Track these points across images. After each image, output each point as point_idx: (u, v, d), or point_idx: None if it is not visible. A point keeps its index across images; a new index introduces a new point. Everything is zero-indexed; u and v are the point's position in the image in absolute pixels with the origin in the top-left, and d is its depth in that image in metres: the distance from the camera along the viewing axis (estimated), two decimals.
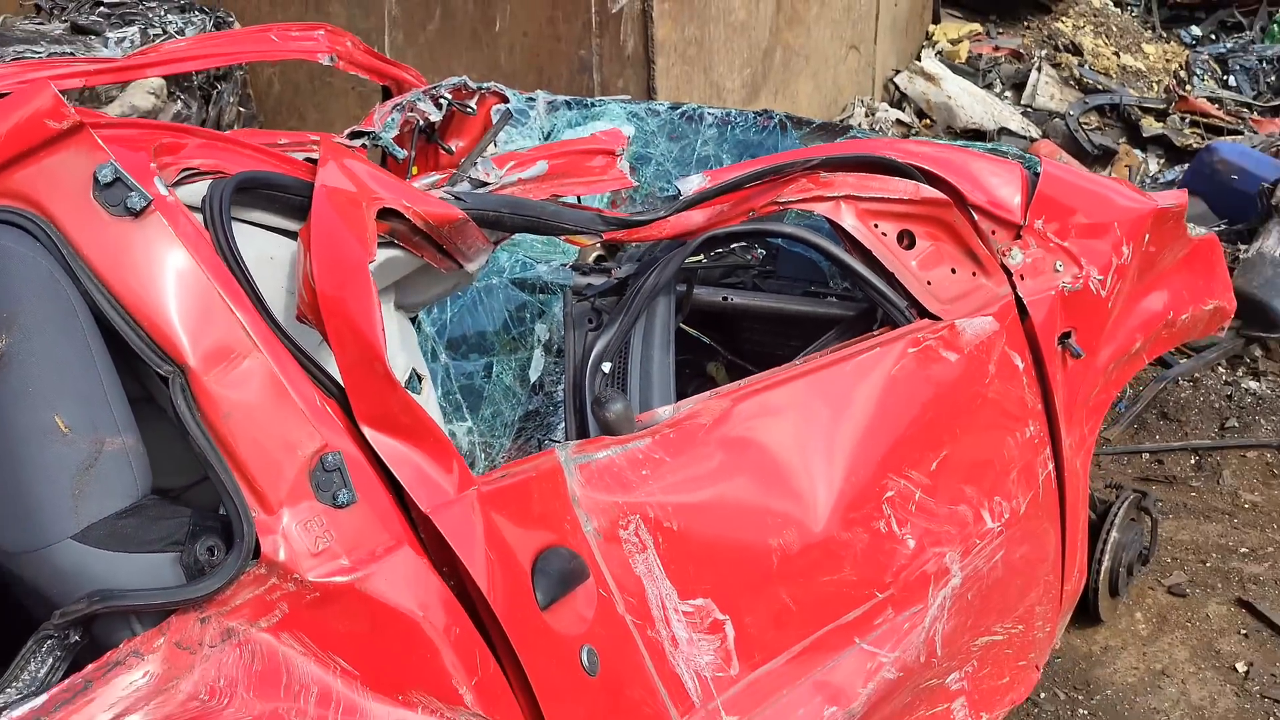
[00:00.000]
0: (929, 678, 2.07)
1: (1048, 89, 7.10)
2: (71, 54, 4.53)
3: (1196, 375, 4.13)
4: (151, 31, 5.02)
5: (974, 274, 2.24)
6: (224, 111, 5.23)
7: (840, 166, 2.19)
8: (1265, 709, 2.66)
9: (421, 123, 2.78)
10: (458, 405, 2.54)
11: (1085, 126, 6.82)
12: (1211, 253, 2.81)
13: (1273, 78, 8.78)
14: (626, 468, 1.74)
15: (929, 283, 2.18)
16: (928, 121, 6.83)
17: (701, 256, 3.06)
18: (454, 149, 3.14)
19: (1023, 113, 6.94)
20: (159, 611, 1.22)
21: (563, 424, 2.32)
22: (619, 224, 2.02)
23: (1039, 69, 7.22)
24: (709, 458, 1.83)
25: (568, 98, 3.37)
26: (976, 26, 7.99)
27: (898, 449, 2.01)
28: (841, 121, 6.45)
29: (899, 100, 7.01)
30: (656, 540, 1.73)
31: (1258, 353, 4.32)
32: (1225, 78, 8.90)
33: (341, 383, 1.39)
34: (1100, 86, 7.21)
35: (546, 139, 3.32)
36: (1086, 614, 2.91)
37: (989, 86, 7.32)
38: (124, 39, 4.90)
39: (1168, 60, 8.74)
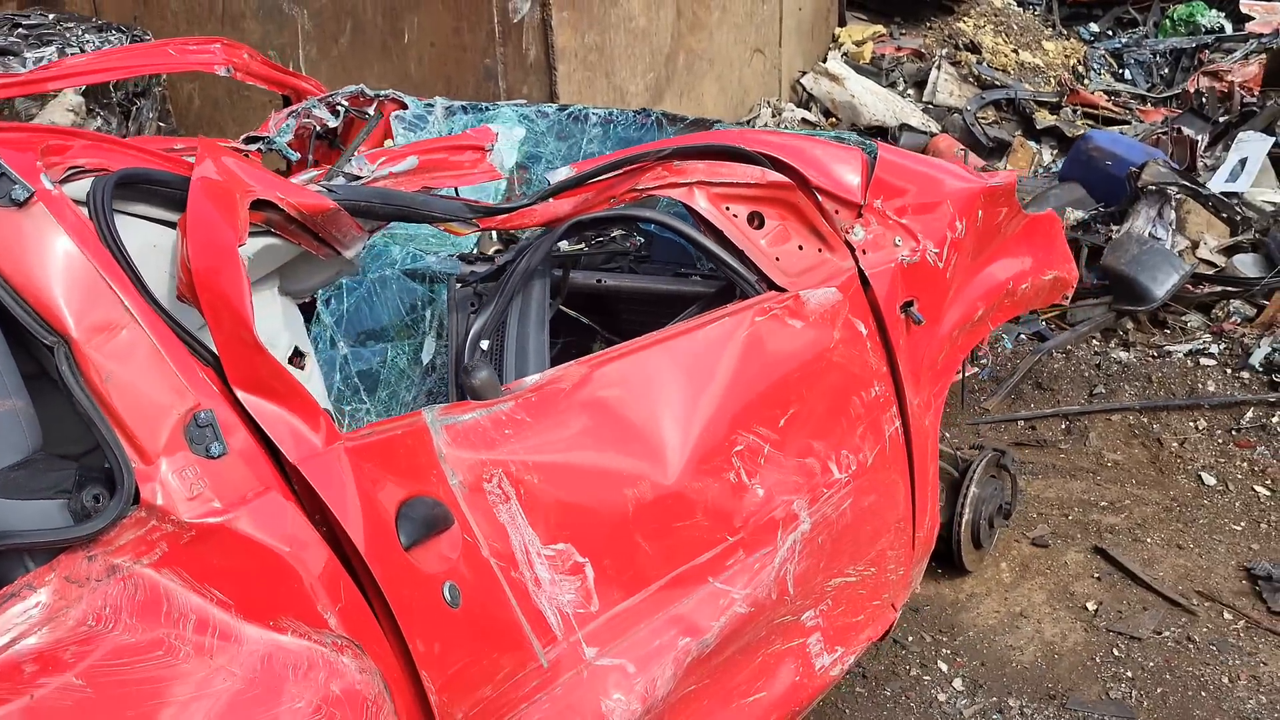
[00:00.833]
0: (783, 614, 2.29)
1: (947, 86, 7.42)
2: None
3: (1070, 347, 4.43)
4: (69, 51, 5.13)
5: (820, 250, 2.47)
6: (144, 126, 5.35)
7: (693, 155, 2.41)
8: (1110, 641, 2.92)
9: (319, 128, 2.95)
10: (356, 389, 2.72)
11: (982, 121, 7.15)
12: (1050, 227, 3.07)
13: (1165, 70, 9.21)
14: (491, 428, 1.93)
15: (777, 258, 2.40)
16: (833, 120, 7.12)
17: (583, 245, 3.29)
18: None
19: (923, 109, 7.26)
20: (49, 550, 1.39)
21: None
22: (486, 212, 2.21)
23: (939, 67, 7.55)
24: (568, 418, 2.03)
25: (464, 103, 3.56)
26: (880, 28, 8.31)
27: (746, 407, 2.22)
28: (749, 121, 6.71)
29: (807, 101, 7.29)
30: (519, 492, 1.92)
31: (1129, 325, 4.62)
32: (1121, 71, 9.32)
33: (217, 352, 1.57)
34: (997, 83, 7.55)
35: None
36: (954, 565, 3.16)
37: (892, 85, 7.63)
38: (41, 58, 5.00)
39: (1066, 56, 9.13)
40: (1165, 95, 8.55)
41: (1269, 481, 3.57)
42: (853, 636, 2.50)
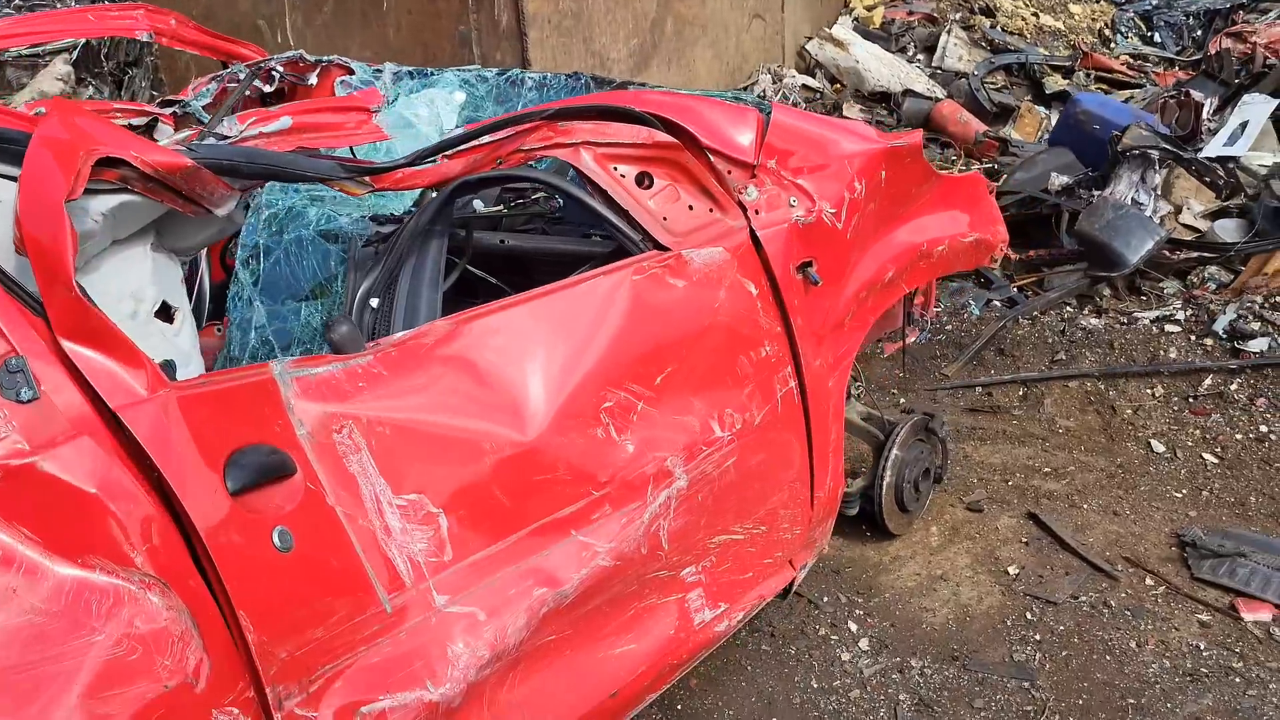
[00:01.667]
0: (656, 569, 2.32)
1: (956, 50, 7.30)
2: None
3: (1036, 314, 4.37)
4: None
5: (711, 210, 2.48)
6: (137, 94, 5.48)
7: (580, 116, 2.43)
8: (1025, 605, 2.91)
9: (251, 94, 3.01)
10: (271, 347, 2.79)
11: (989, 86, 7.03)
12: (974, 188, 3.04)
13: (1198, 32, 8.95)
14: (344, 380, 1.98)
15: (665, 218, 2.42)
16: (839, 86, 7.05)
17: (502, 205, 3.32)
18: None
19: (930, 74, 7.15)
20: None
21: None
22: (359, 171, 2.25)
23: (949, 31, 7.42)
24: (430, 372, 2.07)
25: (410, 68, 3.60)
26: None
27: (619, 365, 2.25)
28: (746, 88, 6.67)
29: (813, 67, 7.22)
30: (370, 443, 1.97)
31: (1106, 291, 4.55)
32: (1150, 34, 9.08)
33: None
34: (1009, 46, 7.40)
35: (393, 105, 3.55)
36: (882, 528, 3.17)
37: (902, 50, 7.53)
38: None
39: (1094, 19, 8.92)
40: (1193, 59, 8.32)
41: (1218, 449, 3.50)
42: (740, 593, 2.52)
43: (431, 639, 1.99)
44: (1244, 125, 5.37)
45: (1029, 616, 2.86)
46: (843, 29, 7.33)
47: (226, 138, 2.15)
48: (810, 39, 7.23)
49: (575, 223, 2.92)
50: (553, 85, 3.31)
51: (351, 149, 2.60)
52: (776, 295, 2.53)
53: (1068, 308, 4.50)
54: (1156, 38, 8.98)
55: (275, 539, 1.80)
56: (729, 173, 2.51)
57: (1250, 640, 2.71)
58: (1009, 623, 2.85)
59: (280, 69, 3.12)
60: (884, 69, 6.91)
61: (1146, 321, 4.12)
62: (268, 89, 3.07)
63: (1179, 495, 3.33)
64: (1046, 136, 6.66)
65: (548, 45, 4.73)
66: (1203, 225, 4.69)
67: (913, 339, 3.74)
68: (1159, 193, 4.73)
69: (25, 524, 1.57)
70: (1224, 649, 2.70)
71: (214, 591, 1.72)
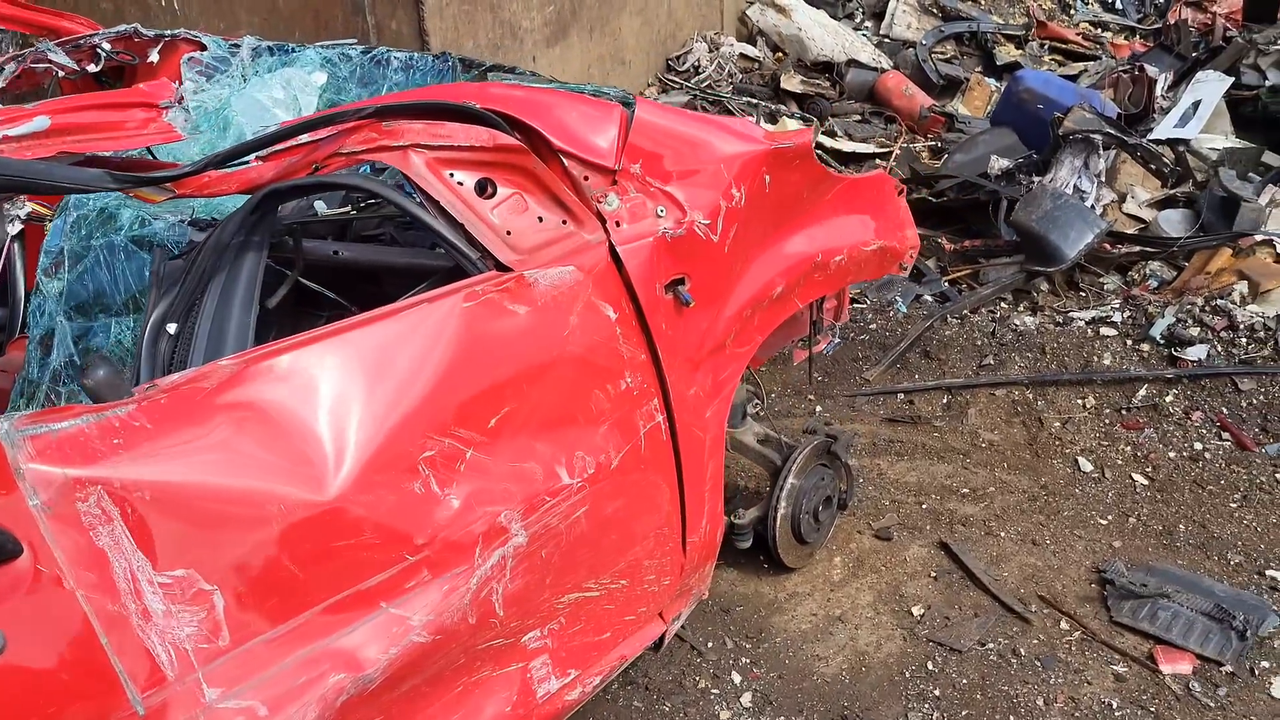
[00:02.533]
0: (489, 638, 2.03)
1: (905, 18, 6.96)
2: None
3: (966, 313, 4.09)
4: None
5: (564, 222, 2.16)
6: None
7: (408, 114, 2.10)
8: (928, 651, 2.65)
9: (63, 74, 2.66)
10: (79, 368, 2.46)
11: (938, 56, 6.70)
12: (878, 191, 2.73)
13: (1161, 0, 8.64)
14: (96, 437, 1.66)
15: (509, 232, 2.10)
16: (780, 55, 6.70)
17: (350, 208, 2.98)
18: None
19: (877, 44, 6.81)
20: None
21: None
22: (131, 180, 1.92)
23: None
24: (208, 423, 1.75)
25: (271, 44, 3.24)
26: None
27: (442, 408, 1.94)
28: (679, 58, 6.32)
29: (755, 34, 6.86)
30: (125, 511, 1.65)
31: (1044, 287, 4.27)
32: (1112, 1, 8.76)
33: None
34: (960, 14, 7.06)
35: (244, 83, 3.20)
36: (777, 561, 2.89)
37: (849, 17, 7.18)
38: None
39: None
40: (1154, 28, 8.03)
41: (1149, 469, 3.25)
42: (596, 656, 2.24)
43: None
44: (1196, 105, 5.08)
45: (930, 667, 2.60)
46: None
47: None
48: (752, 3, 6.87)
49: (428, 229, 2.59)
50: (419, 66, 2.97)
51: (150, 149, 2.26)
52: (640, 318, 2.23)
53: (1003, 303, 4.22)
54: (1118, 4, 8.66)
55: None
56: (586, 179, 2.19)
57: (1167, 698, 2.46)
58: (908, 674, 2.58)
59: (107, 46, 2.76)
60: (828, 37, 6.56)
61: (1082, 323, 3.84)
62: (93, 69, 2.71)
63: (1104, 522, 3.07)
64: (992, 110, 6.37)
65: (448, 14, 4.36)
66: (1148, 215, 4.41)
67: (821, 348, 3.45)
68: (1103, 179, 4.44)
69: None
70: (1139, 707, 2.44)
71: None
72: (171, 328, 2.10)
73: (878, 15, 7.15)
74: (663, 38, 6.05)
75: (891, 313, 4.11)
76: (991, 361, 3.78)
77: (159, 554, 1.69)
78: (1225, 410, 3.37)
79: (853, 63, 6.40)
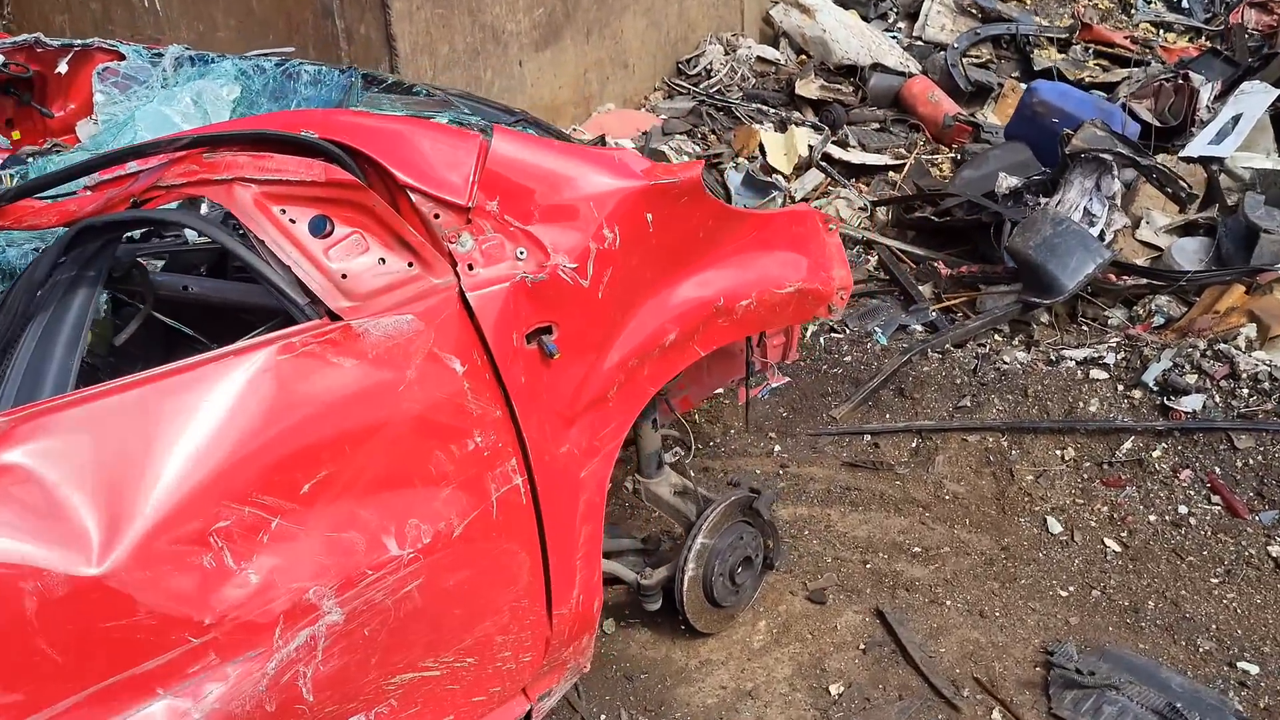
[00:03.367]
0: None
1: (939, 19, 6.61)
2: None
3: (949, 346, 3.78)
4: None
5: (410, 264, 1.96)
6: None
7: (230, 144, 1.92)
8: None
9: None
10: None
11: (973, 60, 6.34)
12: (801, 227, 2.47)
13: None
14: None
15: (344, 275, 1.90)
16: (803, 58, 6.40)
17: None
18: (53, 113, 2.92)
19: (908, 46, 6.47)
20: None
21: None
22: None
23: None
24: None
25: (194, 53, 3.10)
26: None
27: (244, 473, 1.76)
28: (689, 61, 6.05)
29: (780, 36, 6.57)
30: None
31: (1043, 318, 3.94)
32: (1178, 0, 8.26)
33: None
34: (1000, 15, 6.68)
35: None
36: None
37: (882, 17, 6.85)
38: None
39: None
40: (1221, 28, 7.53)
41: (1124, 534, 2.93)
42: None
43: None
44: (1236, 120, 4.67)
45: None
46: None
47: None
48: (776, 3, 6.57)
49: None
50: (326, 81, 2.79)
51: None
52: (495, 371, 2.02)
53: (997, 336, 3.91)
54: (1185, 2, 8.15)
55: None
56: (436, 217, 1.98)
57: None
58: None
59: (1, 59, 2.64)
60: (853, 39, 6.24)
61: (1072, 363, 3.51)
62: None
63: (1064, 593, 2.77)
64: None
65: (419, 17, 4.18)
66: (1164, 242, 4.05)
67: (758, 392, 3.20)
68: (1116, 202, 4.09)
69: None
70: None
71: None
72: None
73: (912, 16, 6.80)
74: (673, 40, 5.80)
75: (870, 344, 3.83)
76: (969, 403, 3.48)
77: None
78: (1218, 470, 3.03)
79: (877, 67, 6.07)
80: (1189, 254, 3.89)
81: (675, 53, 5.84)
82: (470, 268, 1.99)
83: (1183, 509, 2.97)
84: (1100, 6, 7.88)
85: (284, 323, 1.94)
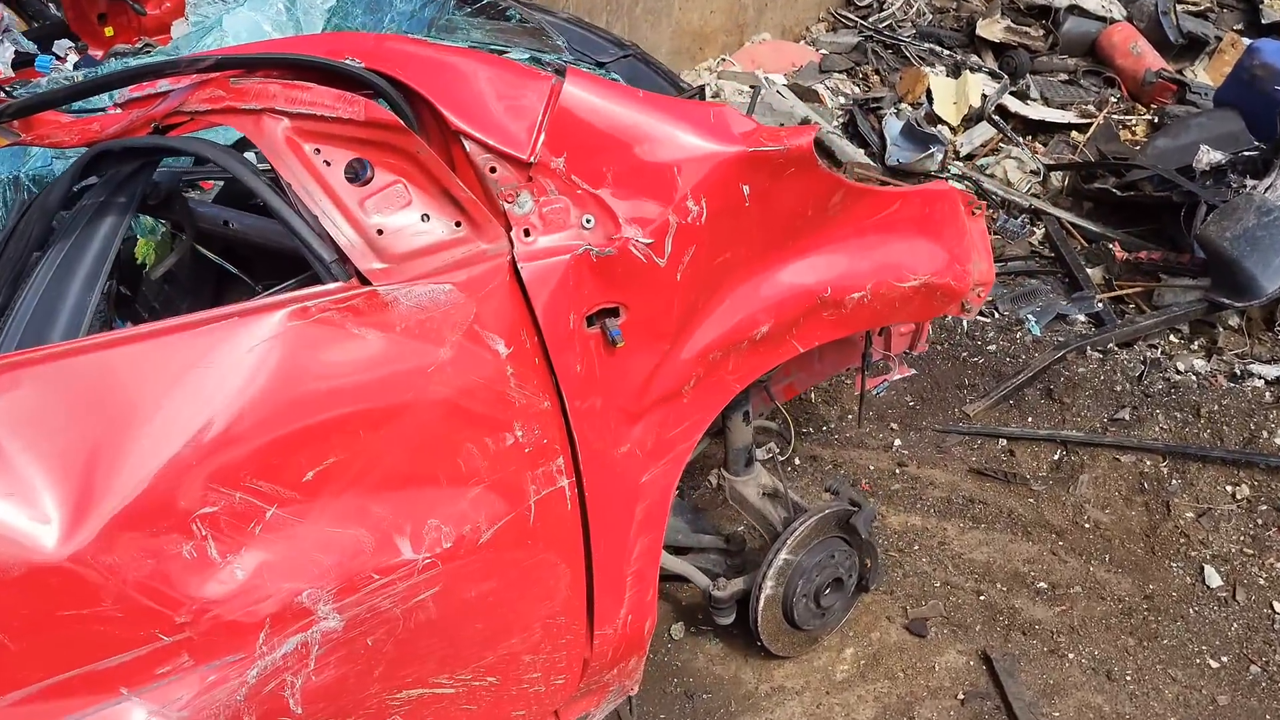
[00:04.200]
0: None
1: None
2: None
3: (1113, 345, 3.28)
4: None
5: (457, 224, 1.68)
6: None
7: (266, 68, 1.67)
8: None
9: None
10: None
11: (1189, 9, 5.58)
12: (934, 210, 2.07)
13: None
14: None
15: (380, 231, 1.65)
16: None
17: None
18: (145, 10, 2.75)
19: None
20: None
21: None
22: None
23: None
24: None
25: None
26: None
27: (239, 454, 1.54)
28: None
29: None
30: None
31: (1232, 322, 3.39)
32: None
33: None
34: None
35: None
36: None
37: None
38: None
39: None
40: None
41: None
42: None
43: None
44: None
45: None
46: None
47: None
48: None
49: None
50: None
51: (6, 89, 1.93)
52: (546, 356, 1.73)
53: (1173, 336, 3.38)
54: None
55: None
56: (493, 171, 1.69)
57: None
58: None
59: None
60: None
61: (1260, 382, 2.99)
62: None
63: (1214, 664, 2.34)
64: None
65: None
66: None
67: (875, 387, 2.82)
68: None
69: None
70: None
71: None
72: None
73: None
74: None
75: (1020, 333, 3.37)
76: (1127, 416, 3.01)
77: None
78: None
79: (1074, 9, 5.41)
80: None
81: None
82: (527, 234, 1.70)
83: None
84: None
85: (311, 281, 1.70)
